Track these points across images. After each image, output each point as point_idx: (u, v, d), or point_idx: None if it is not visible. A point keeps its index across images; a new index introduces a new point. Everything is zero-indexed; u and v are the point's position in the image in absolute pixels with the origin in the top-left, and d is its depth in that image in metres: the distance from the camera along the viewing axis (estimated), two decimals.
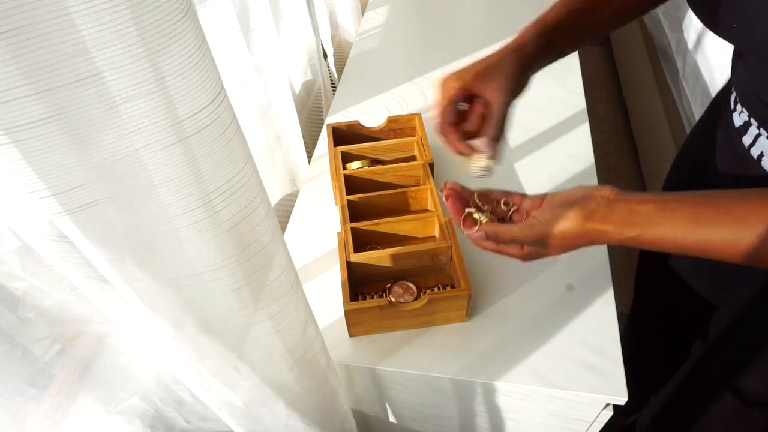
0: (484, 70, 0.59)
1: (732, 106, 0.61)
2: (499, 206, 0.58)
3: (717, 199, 0.44)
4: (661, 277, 0.87)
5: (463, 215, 0.57)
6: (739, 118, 0.59)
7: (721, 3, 0.49)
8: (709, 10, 0.52)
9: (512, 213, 0.57)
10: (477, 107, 0.60)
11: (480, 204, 0.58)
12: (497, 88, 0.59)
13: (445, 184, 0.59)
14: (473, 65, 0.60)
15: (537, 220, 0.52)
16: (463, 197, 0.58)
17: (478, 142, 0.61)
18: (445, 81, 0.61)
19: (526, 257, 0.55)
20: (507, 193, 0.58)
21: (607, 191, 0.49)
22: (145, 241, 0.34)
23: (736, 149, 0.60)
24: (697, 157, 0.73)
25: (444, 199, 0.59)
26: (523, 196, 0.57)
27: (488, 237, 0.55)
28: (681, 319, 0.93)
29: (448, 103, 0.60)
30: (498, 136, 0.60)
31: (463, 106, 0.61)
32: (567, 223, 0.50)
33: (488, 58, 0.60)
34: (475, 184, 0.60)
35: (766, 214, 0.41)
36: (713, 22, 0.52)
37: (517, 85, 0.60)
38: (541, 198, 0.55)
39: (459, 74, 0.60)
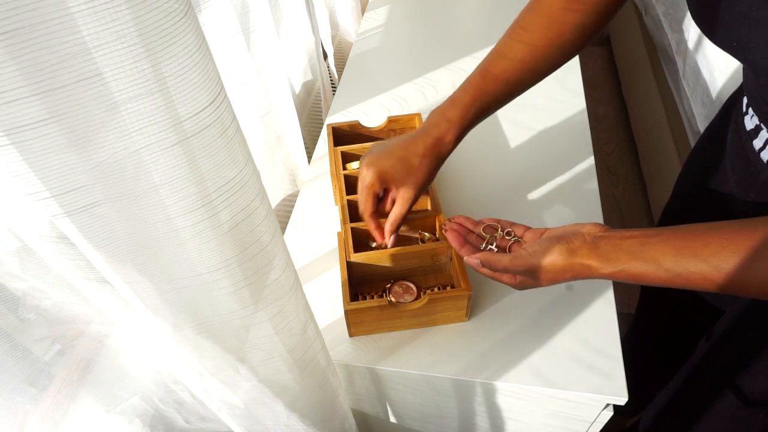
0: (402, 172, 0.66)
1: (744, 110, 0.61)
2: (503, 236, 0.62)
3: (696, 233, 0.47)
4: None
5: (463, 243, 0.62)
6: (751, 121, 0.59)
7: (719, 23, 0.50)
8: (711, 29, 0.53)
9: (512, 243, 0.61)
10: (390, 195, 0.69)
11: (484, 234, 0.63)
12: (409, 189, 0.66)
13: (449, 219, 0.66)
14: (394, 162, 0.66)
15: (526, 251, 0.55)
16: (464, 228, 0.65)
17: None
18: (368, 169, 0.67)
19: (519, 285, 0.58)
20: (513, 224, 0.62)
21: (593, 228, 0.53)
22: (146, 242, 0.34)
23: (746, 152, 0.60)
24: (709, 158, 0.74)
25: (444, 231, 0.65)
26: (527, 228, 0.61)
27: (483, 265, 0.58)
28: (685, 323, 0.93)
29: (372, 196, 0.68)
30: (395, 228, 0.69)
31: (381, 193, 0.69)
32: (553, 257, 0.53)
33: (408, 155, 0.66)
34: (480, 214, 0.67)
35: (741, 245, 0.43)
36: (713, 38, 0.53)
37: (428, 180, 0.68)
38: (541, 231, 0.59)
39: (380, 173, 0.66)
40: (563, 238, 0.53)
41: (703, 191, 0.74)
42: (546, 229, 0.59)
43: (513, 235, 0.62)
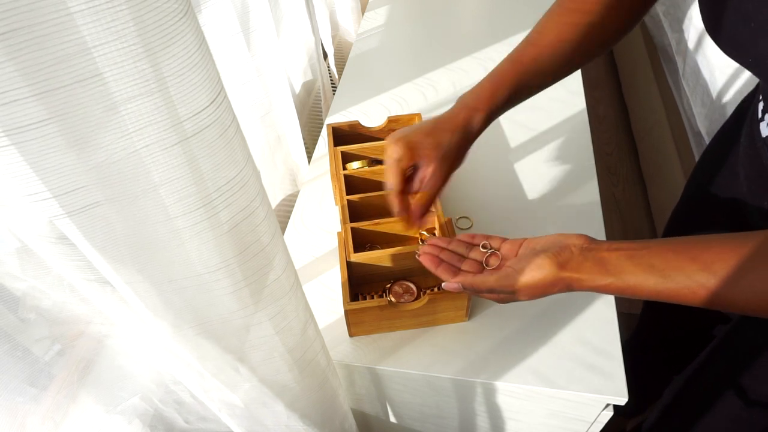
0: (431, 146, 0.63)
1: (760, 116, 0.60)
2: (478, 249, 0.60)
3: (684, 247, 0.46)
4: None
5: (438, 263, 0.60)
6: (766, 128, 0.58)
7: (722, 28, 0.50)
8: (717, 36, 0.52)
9: (489, 255, 0.59)
10: (419, 172, 0.65)
11: (458, 250, 0.61)
12: (440, 165, 0.63)
13: (422, 241, 0.64)
14: (422, 136, 0.63)
15: (513, 269, 0.54)
16: (438, 247, 0.62)
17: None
18: (397, 145, 0.63)
19: (503, 301, 0.57)
20: (488, 237, 0.61)
21: (578, 240, 0.52)
22: (146, 243, 0.34)
23: (761, 159, 0.59)
24: (720, 163, 0.73)
25: (417, 257, 0.62)
26: (504, 239, 0.59)
27: (465, 289, 0.57)
28: (690, 327, 0.93)
29: (400, 173, 0.64)
30: (426, 208, 0.65)
31: (410, 170, 0.65)
32: (542, 272, 0.52)
33: (436, 131, 0.64)
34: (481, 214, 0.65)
35: (728, 260, 0.43)
36: (719, 42, 0.53)
37: (457, 158, 0.65)
38: (519, 243, 0.57)
39: (410, 143, 0.63)
40: (549, 251, 0.52)
41: (713, 197, 0.74)
42: (524, 240, 0.57)
43: (489, 247, 0.60)
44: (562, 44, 0.63)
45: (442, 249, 0.62)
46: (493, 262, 0.58)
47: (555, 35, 0.64)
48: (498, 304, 0.73)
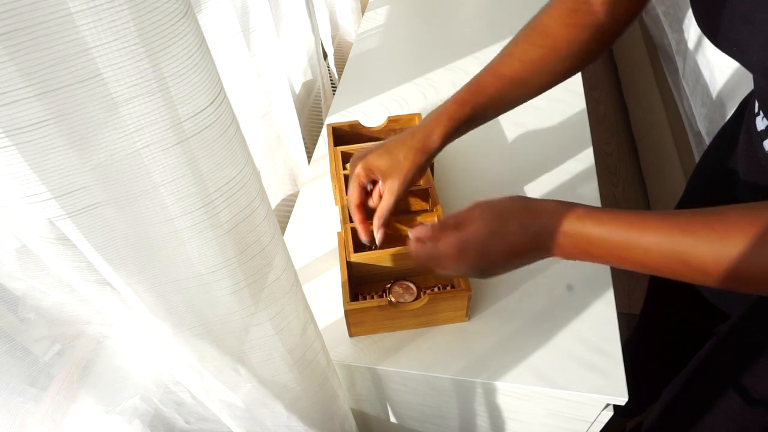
0: (387, 164, 0.66)
1: (756, 110, 0.61)
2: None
3: (698, 216, 0.44)
4: (674, 284, 0.87)
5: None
6: (762, 123, 0.59)
7: (721, 27, 0.50)
8: (713, 33, 0.52)
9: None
10: (376, 188, 0.70)
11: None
12: (395, 181, 0.66)
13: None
14: (380, 153, 0.67)
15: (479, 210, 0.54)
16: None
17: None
18: (356, 162, 0.69)
19: (463, 257, 0.54)
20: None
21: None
22: (146, 243, 0.34)
23: (757, 153, 0.60)
24: (722, 159, 0.74)
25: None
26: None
27: (415, 238, 0.56)
28: (691, 327, 0.93)
29: (359, 188, 0.69)
30: (382, 222, 0.68)
31: (370, 186, 0.71)
32: (512, 202, 0.53)
33: (396, 149, 0.67)
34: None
35: (746, 230, 0.40)
36: (715, 41, 0.53)
37: (414, 174, 0.67)
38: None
39: (369, 161, 0.67)
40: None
41: (714, 192, 0.74)
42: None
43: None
44: (528, 70, 0.65)
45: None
46: None
47: (520, 61, 0.65)
48: (498, 304, 0.73)
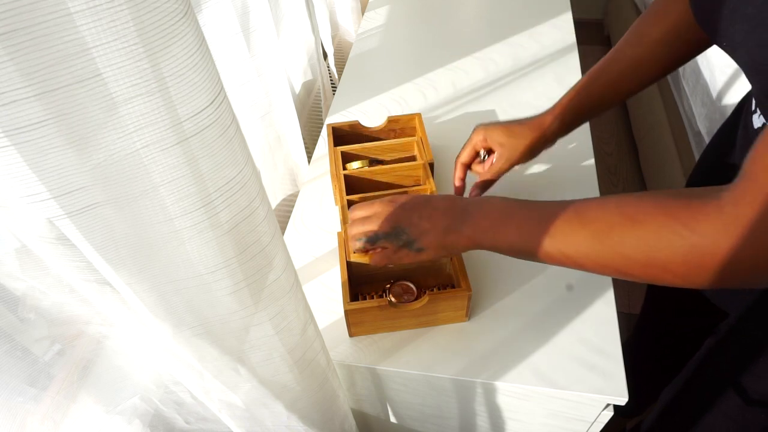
0: (504, 137, 0.75)
1: (753, 108, 0.61)
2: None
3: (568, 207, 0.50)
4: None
5: None
6: (758, 120, 0.59)
7: (720, 24, 0.51)
8: (712, 31, 0.54)
9: None
10: (490, 159, 0.78)
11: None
12: (508, 152, 0.75)
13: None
14: (501, 128, 0.75)
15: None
16: None
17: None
18: (478, 131, 0.77)
19: (390, 201, 0.60)
20: None
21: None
22: (146, 243, 0.34)
23: None
24: (720, 156, 0.74)
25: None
26: None
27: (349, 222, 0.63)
28: (690, 327, 0.93)
29: (472, 150, 0.78)
30: (481, 187, 0.79)
31: (482, 153, 0.79)
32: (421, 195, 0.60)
33: (515, 126, 0.75)
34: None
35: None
36: (714, 38, 0.54)
37: (527, 151, 0.75)
38: None
39: (488, 132, 0.76)
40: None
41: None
42: None
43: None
44: (641, 54, 0.69)
45: None
46: None
47: (637, 45, 0.69)
48: (498, 304, 0.73)
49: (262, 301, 0.43)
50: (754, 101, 0.61)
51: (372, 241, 0.60)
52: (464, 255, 0.73)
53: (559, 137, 0.75)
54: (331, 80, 1.31)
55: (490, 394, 0.69)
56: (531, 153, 0.75)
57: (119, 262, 0.34)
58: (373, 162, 0.88)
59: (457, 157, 0.79)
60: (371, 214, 0.61)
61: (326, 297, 0.77)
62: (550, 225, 0.49)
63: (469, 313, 0.71)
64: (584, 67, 1.13)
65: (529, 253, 0.51)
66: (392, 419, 0.82)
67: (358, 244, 0.61)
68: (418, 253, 0.58)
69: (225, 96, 0.33)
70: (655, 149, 1.79)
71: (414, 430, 0.84)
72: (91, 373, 0.50)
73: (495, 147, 0.75)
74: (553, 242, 0.49)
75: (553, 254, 0.49)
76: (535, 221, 0.51)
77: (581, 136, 0.97)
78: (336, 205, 0.89)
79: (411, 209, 0.59)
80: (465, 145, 0.78)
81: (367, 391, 0.76)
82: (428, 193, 0.61)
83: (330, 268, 0.81)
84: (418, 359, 0.69)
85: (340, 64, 1.34)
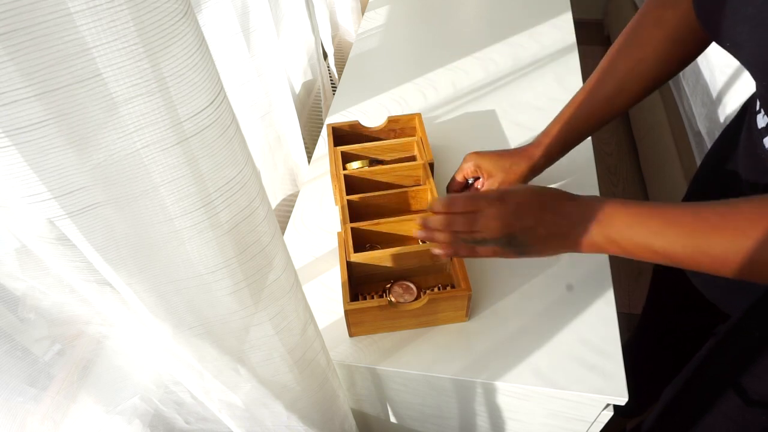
0: (495, 168, 0.77)
1: (757, 108, 0.61)
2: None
3: (711, 210, 0.48)
4: (674, 285, 0.88)
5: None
6: (762, 120, 0.59)
7: (722, 26, 0.51)
8: (714, 32, 0.54)
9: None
10: (479, 184, 0.80)
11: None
12: (496, 180, 0.77)
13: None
14: (492, 157, 0.78)
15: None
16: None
17: None
18: (469, 158, 0.79)
19: (505, 240, 0.57)
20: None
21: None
22: (146, 243, 0.34)
23: (757, 150, 0.60)
24: (724, 157, 0.74)
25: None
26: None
27: (437, 208, 0.60)
28: (691, 327, 0.93)
29: (463, 178, 0.80)
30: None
31: (471, 180, 0.82)
32: (549, 190, 0.57)
33: (505, 157, 0.77)
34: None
35: (761, 224, 0.44)
36: (717, 39, 0.55)
37: (513, 182, 0.76)
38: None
39: (479, 161, 0.78)
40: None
41: (715, 190, 0.74)
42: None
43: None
44: (619, 79, 0.69)
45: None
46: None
47: (608, 73, 0.69)
48: (498, 304, 0.73)
49: (262, 301, 0.43)
50: (758, 101, 0.61)
51: (481, 244, 0.58)
52: None
53: (549, 166, 0.78)
54: (331, 80, 1.31)
55: (490, 394, 0.69)
56: (520, 183, 0.77)
57: (119, 262, 0.34)
58: (373, 162, 0.88)
59: (448, 185, 0.82)
60: (475, 210, 0.57)
61: (326, 297, 0.77)
62: (687, 227, 0.48)
63: (469, 313, 0.71)
64: (584, 67, 1.13)
65: (664, 257, 0.50)
66: (392, 419, 0.82)
67: (463, 246, 0.59)
68: (528, 254, 0.58)
69: (225, 96, 0.33)
70: (655, 149, 1.79)
71: (414, 430, 0.84)
72: (91, 373, 0.50)
73: (484, 176, 0.78)
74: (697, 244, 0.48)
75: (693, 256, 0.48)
76: (673, 224, 0.50)
77: None
78: (336, 205, 0.89)
79: (524, 214, 0.56)
80: (456, 172, 0.81)
81: (367, 391, 0.76)
82: (536, 188, 0.56)
83: (330, 268, 0.81)
84: (418, 359, 0.69)
85: (340, 64, 1.34)
